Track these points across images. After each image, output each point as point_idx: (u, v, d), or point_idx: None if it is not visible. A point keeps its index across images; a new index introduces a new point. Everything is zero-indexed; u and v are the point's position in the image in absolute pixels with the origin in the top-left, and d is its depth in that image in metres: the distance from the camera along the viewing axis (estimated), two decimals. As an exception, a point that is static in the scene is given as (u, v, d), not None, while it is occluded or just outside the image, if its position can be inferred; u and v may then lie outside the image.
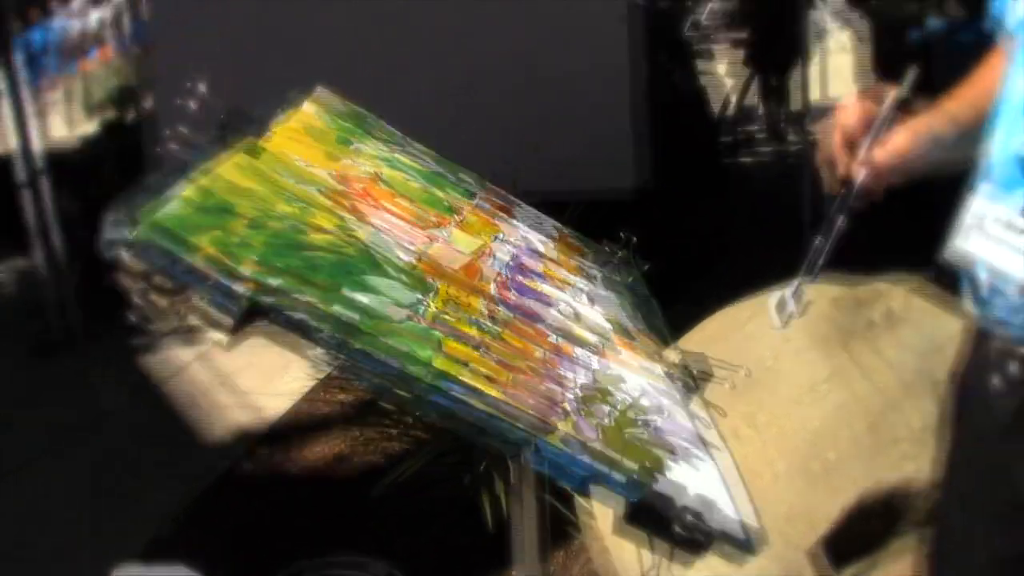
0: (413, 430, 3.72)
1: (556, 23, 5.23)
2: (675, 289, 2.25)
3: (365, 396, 4.18)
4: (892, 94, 1.38)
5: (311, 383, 4.60)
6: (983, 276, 1.31)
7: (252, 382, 4.76)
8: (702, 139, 6.48)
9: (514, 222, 1.32)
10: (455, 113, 5.13)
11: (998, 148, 1.32)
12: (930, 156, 1.44)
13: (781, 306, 1.43)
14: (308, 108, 1.24)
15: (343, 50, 5.16)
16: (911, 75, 1.40)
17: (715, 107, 8.60)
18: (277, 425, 4.51)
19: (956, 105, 1.50)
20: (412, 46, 5.24)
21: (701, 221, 5.85)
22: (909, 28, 6.56)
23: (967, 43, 5.28)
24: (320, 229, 0.96)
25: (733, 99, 8.72)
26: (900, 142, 1.37)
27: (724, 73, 8.41)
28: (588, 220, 4.67)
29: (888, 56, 6.98)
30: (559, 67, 5.20)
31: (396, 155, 1.29)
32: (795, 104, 8.45)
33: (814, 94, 5.45)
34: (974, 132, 1.46)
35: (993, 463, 1.32)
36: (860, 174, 1.33)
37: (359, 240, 0.97)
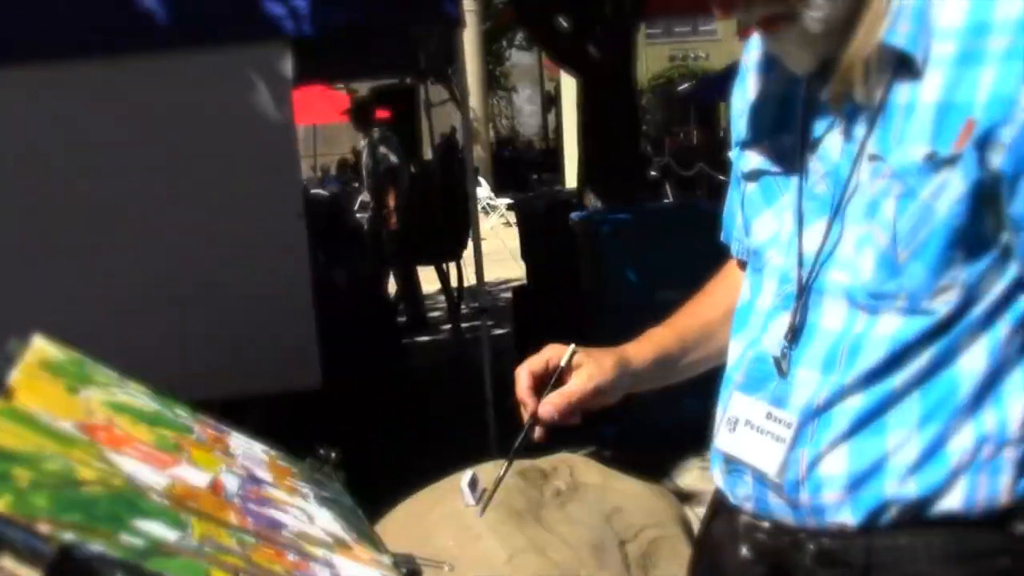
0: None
1: (234, 221, 5.29)
2: (374, 485, 2.37)
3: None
4: (571, 348, 1.48)
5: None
6: (731, 460, 1.42)
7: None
8: (379, 327, 6.68)
9: (231, 450, 1.43)
10: (139, 321, 5.09)
11: (746, 346, 1.42)
12: (657, 374, 1.56)
13: (473, 487, 1.60)
14: (31, 359, 1.28)
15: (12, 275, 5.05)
16: (571, 349, 1.50)
17: (390, 293, 8.91)
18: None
19: (684, 320, 1.61)
20: (87, 262, 5.19)
21: (386, 411, 5.98)
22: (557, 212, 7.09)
23: (612, 230, 5.84)
24: (86, 463, 1.03)
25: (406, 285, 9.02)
26: (577, 387, 1.45)
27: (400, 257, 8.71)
28: (276, 419, 4.75)
29: (538, 239, 7.49)
30: (239, 265, 5.29)
31: (119, 398, 1.37)
32: (463, 284, 8.88)
33: (481, 275, 5.74)
34: (706, 347, 1.59)
35: None
36: (547, 412, 1.44)
37: (121, 474, 1.06)
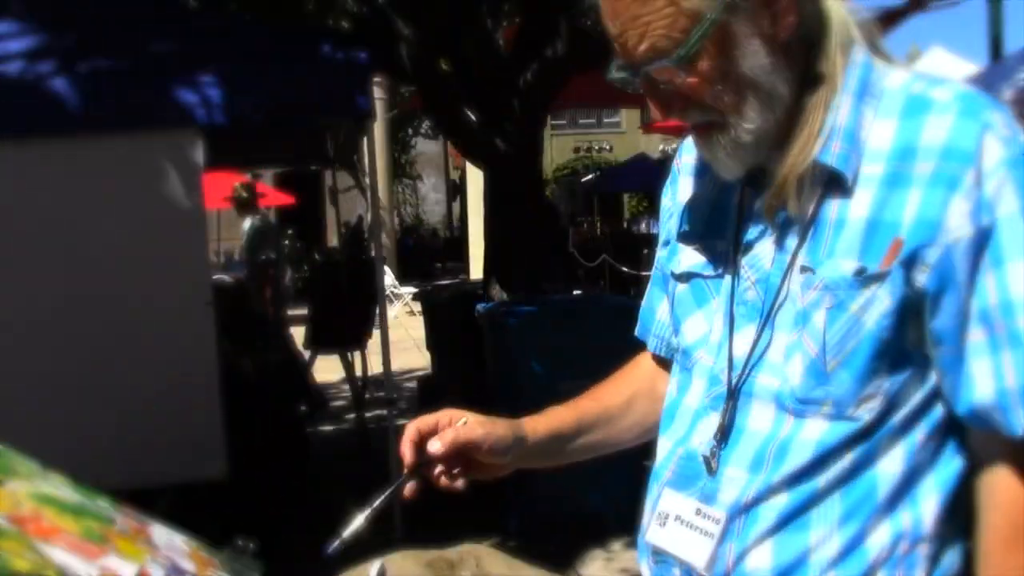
0: None
1: (143, 308, 5.27)
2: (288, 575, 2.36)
3: None
4: (464, 419, 1.48)
5: None
6: (660, 553, 1.45)
7: None
8: (283, 417, 6.61)
9: (154, 541, 1.44)
10: (45, 409, 5.03)
11: (675, 444, 1.46)
12: (550, 448, 1.58)
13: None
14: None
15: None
16: (462, 420, 1.51)
17: (296, 379, 8.81)
18: None
19: (585, 403, 1.64)
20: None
21: (291, 501, 5.92)
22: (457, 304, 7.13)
23: (517, 322, 5.90)
24: (19, 555, 1.05)
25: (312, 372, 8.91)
26: (467, 430, 1.46)
27: (303, 345, 8.64)
28: (184, 507, 4.68)
29: (443, 329, 7.54)
30: (148, 354, 5.26)
31: (44, 489, 1.34)
32: (370, 371, 8.83)
33: (388, 363, 5.76)
34: (603, 430, 1.63)
35: None
36: (435, 448, 1.43)
37: (53, 564, 1.08)
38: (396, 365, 6.83)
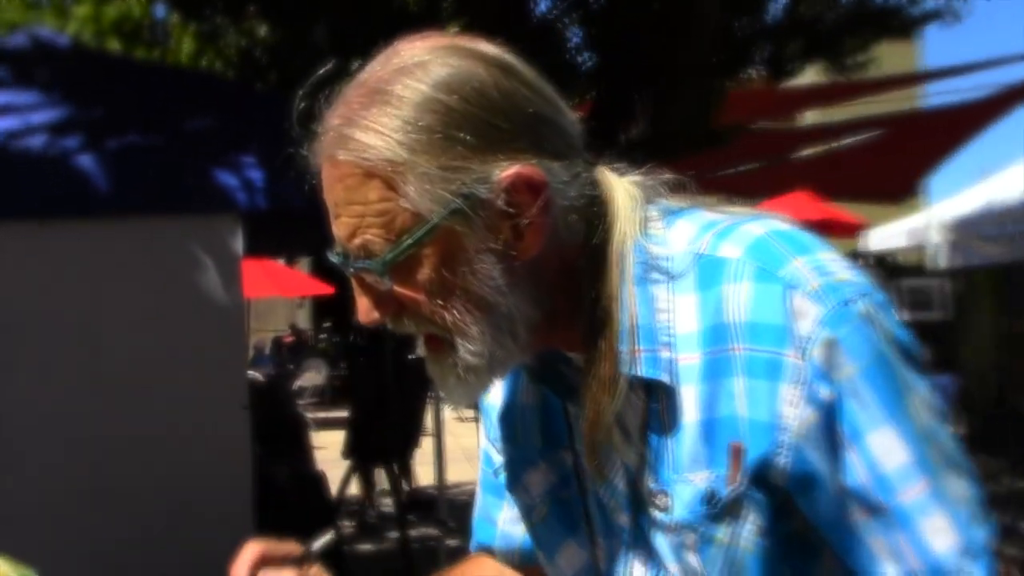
0: None
1: (173, 408, 4.83)
2: None
3: None
4: (310, 547, 1.32)
5: None
6: None
7: None
8: (319, 527, 6.04)
9: None
10: (70, 523, 4.59)
11: None
12: None
13: None
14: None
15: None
16: (326, 538, 1.36)
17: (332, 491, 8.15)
18: None
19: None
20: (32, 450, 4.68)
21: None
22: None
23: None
24: None
25: (352, 482, 8.24)
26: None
27: (342, 454, 7.95)
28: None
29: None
30: (175, 458, 4.81)
31: None
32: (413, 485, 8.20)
33: (441, 478, 5.20)
34: None
35: None
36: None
37: None
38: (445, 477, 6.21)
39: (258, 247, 6.53)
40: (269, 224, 5.36)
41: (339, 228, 1.14)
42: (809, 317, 1.11)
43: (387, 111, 1.10)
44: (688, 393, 1.16)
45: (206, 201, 4.85)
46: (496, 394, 1.39)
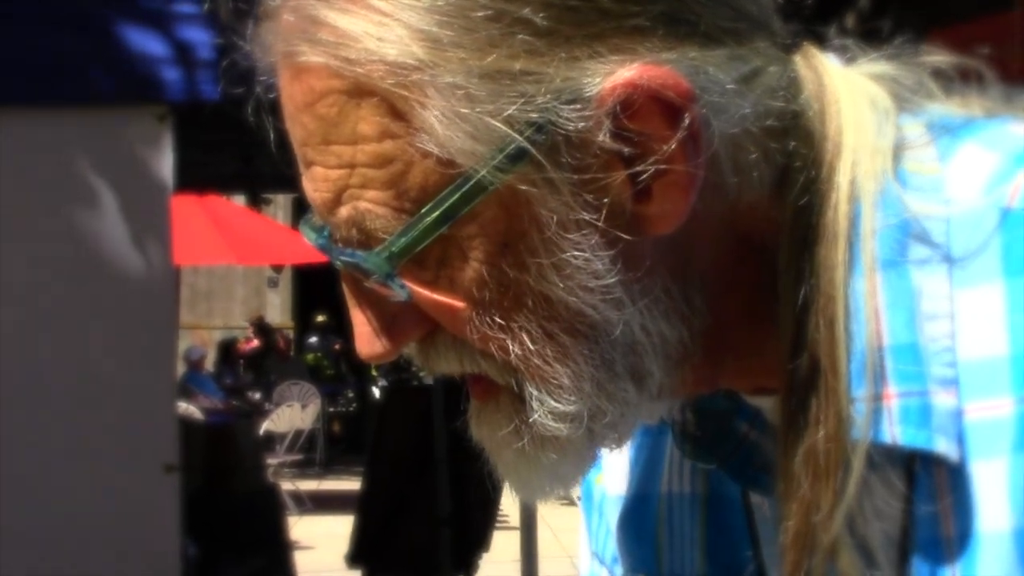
0: None
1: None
2: None
3: None
4: None
5: None
6: None
7: None
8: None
9: None
10: None
11: None
12: None
13: None
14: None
15: None
16: None
17: None
18: None
19: None
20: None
21: None
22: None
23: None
24: None
25: None
26: None
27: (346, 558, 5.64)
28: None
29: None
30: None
31: None
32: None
33: None
34: None
35: None
36: None
37: None
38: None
39: (195, 171, 4.47)
40: (213, 127, 3.53)
41: (313, 186, 0.74)
42: None
43: None
44: (990, 475, 0.75)
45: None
46: (614, 474, 0.97)
